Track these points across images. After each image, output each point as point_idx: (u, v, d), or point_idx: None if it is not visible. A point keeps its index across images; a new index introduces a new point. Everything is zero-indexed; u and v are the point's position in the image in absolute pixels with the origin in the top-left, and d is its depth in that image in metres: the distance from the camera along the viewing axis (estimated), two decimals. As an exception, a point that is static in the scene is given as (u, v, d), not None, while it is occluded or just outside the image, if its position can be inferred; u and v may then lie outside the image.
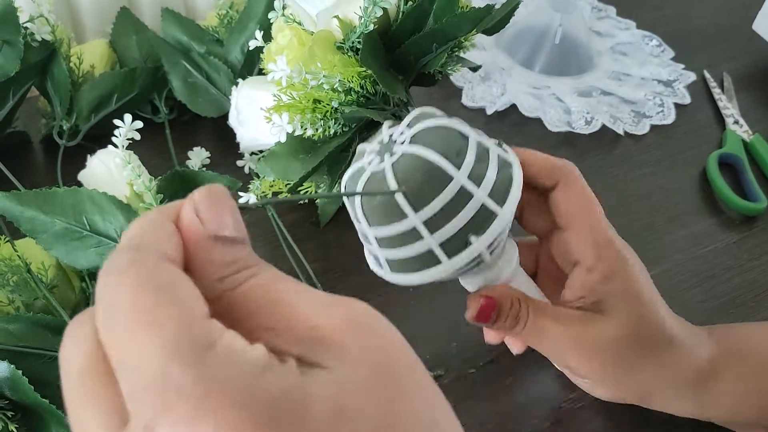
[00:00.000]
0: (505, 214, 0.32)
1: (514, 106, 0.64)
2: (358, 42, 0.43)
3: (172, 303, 0.16)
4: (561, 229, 0.38)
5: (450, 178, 0.31)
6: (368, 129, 0.47)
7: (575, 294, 0.37)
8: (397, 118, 0.49)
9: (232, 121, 0.52)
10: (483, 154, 0.32)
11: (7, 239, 0.43)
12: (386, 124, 0.34)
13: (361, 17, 0.43)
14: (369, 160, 0.32)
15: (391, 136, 0.33)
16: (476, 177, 0.32)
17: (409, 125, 0.33)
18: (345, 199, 0.33)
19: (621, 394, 0.39)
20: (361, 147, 0.34)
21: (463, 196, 0.31)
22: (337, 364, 0.16)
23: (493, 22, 0.45)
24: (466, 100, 0.65)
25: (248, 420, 0.14)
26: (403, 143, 0.32)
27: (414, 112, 0.33)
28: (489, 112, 0.64)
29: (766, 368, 0.38)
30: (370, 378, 0.16)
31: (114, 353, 0.16)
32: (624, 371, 0.37)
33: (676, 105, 0.67)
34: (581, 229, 0.37)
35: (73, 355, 0.17)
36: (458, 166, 0.31)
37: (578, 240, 0.37)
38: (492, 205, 0.32)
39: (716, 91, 0.69)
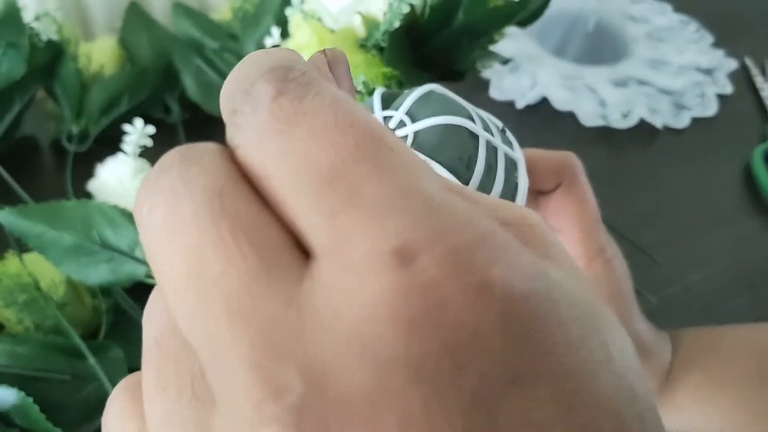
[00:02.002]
0: None
1: (545, 99, 0.61)
2: (383, 40, 0.40)
3: None
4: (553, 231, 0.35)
5: None
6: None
7: None
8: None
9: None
10: (492, 158, 0.27)
11: (14, 254, 0.41)
12: (377, 96, 0.27)
13: (385, 13, 0.40)
14: None
15: (385, 121, 0.27)
16: (483, 191, 0.27)
17: (410, 115, 0.26)
18: None
19: None
20: None
21: None
22: None
23: (527, 15, 0.42)
24: (494, 93, 0.61)
25: None
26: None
27: (415, 93, 0.27)
28: (519, 106, 0.60)
29: (729, 373, 0.37)
30: None
31: None
32: None
33: (718, 95, 0.63)
34: (575, 235, 0.34)
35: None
36: (467, 182, 0.26)
37: (570, 246, 0.35)
38: None
39: (759, 80, 0.65)
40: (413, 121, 0.26)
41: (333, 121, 0.11)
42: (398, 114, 0.26)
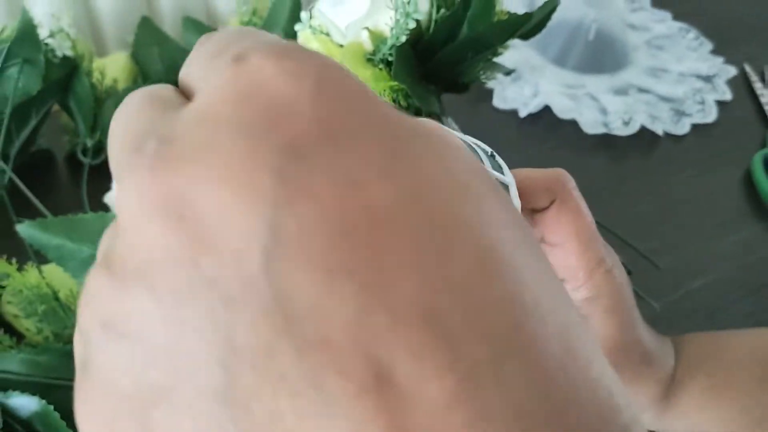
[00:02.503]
0: None
1: (547, 107, 0.62)
2: (390, 54, 0.42)
3: None
4: (550, 245, 0.36)
5: None
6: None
7: None
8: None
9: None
10: None
11: (34, 266, 0.42)
12: None
13: (392, 28, 0.41)
14: None
15: None
16: None
17: None
18: None
19: None
20: None
21: None
22: None
23: (529, 27, 0.43)
24: (497, 102, 0.63)
25: None
26: None
27: None
28: (522, 114, 0.61)
29: (733, 379, 0.37)
30: None
31: None
32: None
33: (717, 102, 0.64)
34: (573, 249, 0.35)
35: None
36: None
37: (569, 259, 0.35)
38: None
39: (758, 86, 0.67)
40: None
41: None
42: None
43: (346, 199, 0.12)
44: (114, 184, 0.46)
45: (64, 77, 0.50)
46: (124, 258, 0.13)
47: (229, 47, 0.14)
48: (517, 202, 0.29)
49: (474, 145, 0.29)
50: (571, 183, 0.35)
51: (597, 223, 0.48)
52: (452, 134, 0.15)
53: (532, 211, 0.36)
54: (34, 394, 0.37)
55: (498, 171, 0.29)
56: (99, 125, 0.51)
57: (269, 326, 0.11)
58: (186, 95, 0.15)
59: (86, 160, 0.52)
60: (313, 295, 0.11)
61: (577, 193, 0.35)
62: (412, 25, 0.40)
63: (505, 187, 0.29)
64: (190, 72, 0.15)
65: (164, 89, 0.15)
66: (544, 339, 0.12)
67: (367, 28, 0.42)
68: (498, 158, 0.30)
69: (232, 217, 0.12)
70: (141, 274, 0.12)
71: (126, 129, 0.14)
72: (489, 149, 0.30)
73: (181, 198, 0.12)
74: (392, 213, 0.12)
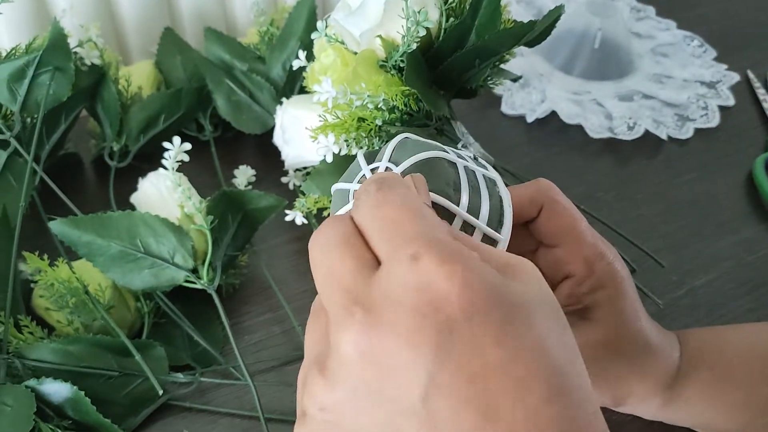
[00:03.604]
0: (505, 237, 0.30)
1: (554, 113, 0.64)
2: (401, 61, 0.44)
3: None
4: (548, 247, 0.38)
5: (452, 218, 0.29)
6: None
7: (561, 301, 0.37)
8: (440, 132, 0.49)
9: (278, 140, 0.52)
10: (473, 180, 0.30)
11: (65, 262, 0.45)
12: (361, 157, 0.31)
13: (403, 36, 0.43)
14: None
15: (373, 171, 0.30)
16: (474, 209, 0.29)
17: (392, 161, 0.30)
18: None
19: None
20: (338, 185, 0.31)
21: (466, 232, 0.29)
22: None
23: (535, 35, 0.45)
24: (505, 108, 0.65)
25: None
26: None
27: (392, 142, 0.31)
28: (530, 120, 0.63)
29: (734, 372, 0.39)
30: None
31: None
32: (596, 372, 0.37)
33: (720, 107, 0.66)
34: (570, 246, 0.36)
35: (330, 231, 0.24)
36: (458, 202, 0.29)
37: (568, 256, 0.37)
38: (493, 233, 0.30)
39: (761, 92, 0.68)
40: (397, 165, 0.29)
41: (399, 201, 0.24)
42: (383, 163, 0.29)
43: (474, 359, 0.20)
44: (140, 185, 0.49)
45: (92, 84, 0.53)
46: (336, 372, 0.22)
47: (403, 232, 0.23)
48: (506, 192, 0.31)
49: (459, 151, 0.32)
50: (553, 188, 0.37)
51: (602, 223, 0.50)
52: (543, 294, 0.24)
53: (526, 224, 0.37)
54: (65, 381, 0.40)
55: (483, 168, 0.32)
56: (125, 130, 0.54)
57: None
58: (366, 242, 0.23)
59: (113, 163, 0.54)
60: (448, 415, 0.20)
61: (561, 197, 0.37)
62: (423, 33, 0.42)
63: (493, 180, 0.31)
64: (365, 224, 0.24)
65: (354, 239, 0.23)
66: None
67: (379, 36, 0.44)
68: (481, 160, 0.33)
69: (407, 365, 0.20)
70: (347, 386, 0.22)
71: (335, 281, 0.23)
72: (472, 154, 0.32)
73: (378, 349, 0.21)
74: (501, 367, 0.20)
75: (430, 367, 0.20)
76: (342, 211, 0.30)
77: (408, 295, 0.21)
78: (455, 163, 0.30)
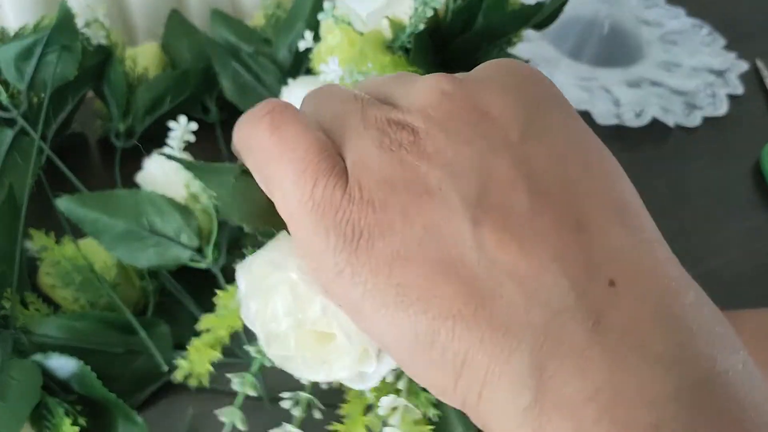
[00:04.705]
0: None
1: (561, 99, 0.64)
2: (408, 42, 0.44)
3: None
4: None
5: None
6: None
7: None
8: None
9: (283, 121, 0.52)
10: None
11: (70, 239, 0.45)
12: None
13: (410, 17, 0.43)
14: None
15: None
16: None
17: None
18: None
19: None
20: None
21: None
22: None
23: (542, 18, 0.45)
24: (512, 94, 0.64)
25: None
26: None
27: None
28: (536, 106, 0.63)
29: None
30: None
31: None
32: None
33: (728, 96, 0.66)
34: None
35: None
36: None
37: None
38: None
39: (770, 80, 0.68)
40: None
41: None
42: None
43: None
44: (145, 165, 0.49)
45: (99, 65, 0.53)
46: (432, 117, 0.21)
47: None
48: None
49: None
50: None
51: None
52: None
53: None
54: (71, 356, 0.40)
55: None
56: (131, 111, 0.54)
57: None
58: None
59: (119, 144, 0.54)
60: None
61: None
62: (430, 14, 0.42)
63: None
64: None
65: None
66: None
67: (387, 17, 0.44)
68: None
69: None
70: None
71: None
72: None
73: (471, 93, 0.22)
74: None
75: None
76: None
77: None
78: None
